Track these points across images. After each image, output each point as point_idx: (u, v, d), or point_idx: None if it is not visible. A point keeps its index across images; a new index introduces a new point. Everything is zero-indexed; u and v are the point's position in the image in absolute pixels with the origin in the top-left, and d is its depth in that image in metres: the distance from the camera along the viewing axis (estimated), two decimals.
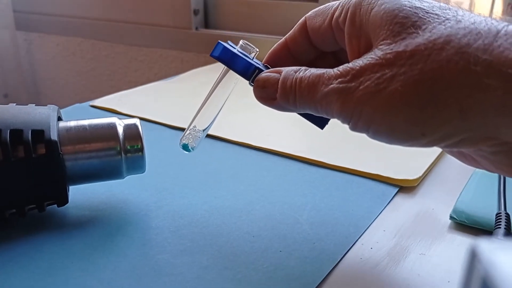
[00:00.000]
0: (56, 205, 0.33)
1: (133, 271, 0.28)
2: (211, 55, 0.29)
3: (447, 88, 0.21)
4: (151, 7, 1.03)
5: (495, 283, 0.12)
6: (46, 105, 0.33)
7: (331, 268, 0.29)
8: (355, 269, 0.29)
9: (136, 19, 1.06)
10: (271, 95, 0.28)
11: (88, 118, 0.33)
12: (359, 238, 0.32)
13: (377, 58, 0.24)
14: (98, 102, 0.61)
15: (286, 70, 0.28)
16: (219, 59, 0.29)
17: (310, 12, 0.30)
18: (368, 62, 0.24)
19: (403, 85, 0.22)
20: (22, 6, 1.25)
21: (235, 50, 0.29)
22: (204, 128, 0.32)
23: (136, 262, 0.29)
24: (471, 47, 0.21)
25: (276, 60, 0.31)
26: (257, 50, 0.30)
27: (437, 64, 0.22)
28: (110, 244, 0.31)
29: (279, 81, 0.28)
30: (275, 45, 0.31)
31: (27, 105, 0.33)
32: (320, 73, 0.26)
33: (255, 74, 0.29)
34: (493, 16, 0.68)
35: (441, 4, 0.24)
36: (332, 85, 0.25)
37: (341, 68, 0.25)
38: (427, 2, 0.24)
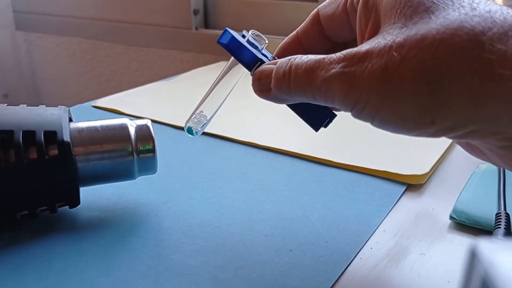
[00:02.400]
0: (66, 206, 0.33)
1: (148, 271, 0.28)
2: (218, 41, 0.29)
3: (459, 75, 0.21)
4: (151, 7, 1.03)
5: (495, 283, 0.12)
6: (45, 105, 0.33)
7: (345, 267, 0.29)
8: (355, 269, 0.29)
9: (136, 19, 1.06)
10: (266, 86, 0.27)
11: (93, 119, 0.33)
12: (371, 236, 0.32)
13: (386, 41, 0.22)
14: (100, 102, 0.60)
15: (281, 60, 0.27)
16: (225, 46, 0.29)
17: (323, 3, 0.29)
18: (376, 45, 0.23)
19: (413, 70, 0.21)
20: (22, 6, 1.25)
21: (242, 40, 0.29)
22: (210, 115, 0.31)
23: (151, 263, 0.29)
24: (485, 35, 0.20)
25: (286, 54, 0.30)
26: (267, 41, 0.30)
27: (450, 50, 0.21)
28: (123, 245, 0.31)
29: (273, 71, 0.27)
30: (285, 39, 0.31)
31: (37, 106, 0.33)
32: (320, 58, 0.25)
33: (257, 66, 0.29)
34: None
35: None
36: (334, 70, 0.23)
37: (344, 52, 0.24)
38: None
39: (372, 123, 0.24)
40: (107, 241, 0.31)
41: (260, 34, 0.30)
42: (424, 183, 0.40)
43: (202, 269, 0.28)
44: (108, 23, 1.10)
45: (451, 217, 0.34)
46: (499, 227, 0.31)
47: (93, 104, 0.60)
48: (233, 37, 0.29)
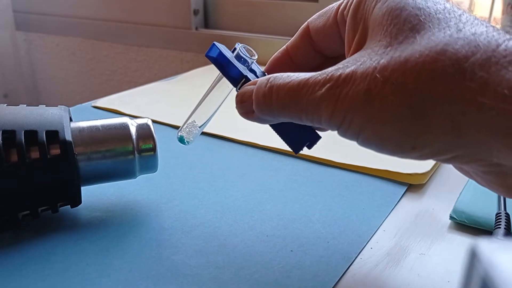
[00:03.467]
0: (67, 205, 0.33)
1: (149, 272, 0.28)
2: (206, 55, 0.29)
3: (441, 101, 0.20)
4: (151, 7, 1.03)
5: (495, 283, 0.12)
6: (45, 105, 0.33)
7: (347, 267, 0.29)
8: (355, 269, 0.29)
9: (136, 19, 1.06)
10: (249, 108, 0.27)
11: (94, 119, 0.33)
12: (372, 236, 0.32)
13: (370, 62, 0.22)
14: (100, 102, 0.61)
15: (259, 80, 0.27)
16: (212, 60, 0.29)
17: (313, 16, 0.29)
18: (361, 65, 0.23)
19: (395, 93, 0.21)
20: (22, 6, 1.25)
21: (229, 55, 0.29)
22: (201, 124, 0.31)
23: (152, 263, 0.29)
24: (468, 61, 0.20)
25: (276, 69, 0.30)
26: (256, 56, 0.30)
27: (432, 74, 0.21)
28: (124, 245, 0.31)
29: (253, 92, 0.27)
30: (276, 53, 0.31)
31: (37, 106, 0.33)
32: (304, 79, 0.24)
33: (241, 83, 0.28)
34: (493, 20, 0.69)
35: (447, 5, 0.23)
36: (320, 91, 0.23)
37: (329, 72, 0.24)
38: (432, 2, 0.23)
39: (357, 142, 0.24)
40: (108, 241, 0.31)
41: (250, 48, 0.30)
42: (425, 183, 0.40)
43: (203, 270, 0.28)
44: (108, 23, 1.10)
45: (451, 217, 0.34)
46: (499, 227, 0.31)
47: (93, 104, 0.60)
48: (220, 52, 0.28)
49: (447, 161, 0.22)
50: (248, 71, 0.29)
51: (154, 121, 0.53)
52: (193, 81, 0.73)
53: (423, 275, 0.28)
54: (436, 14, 0.22)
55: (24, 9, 1.25)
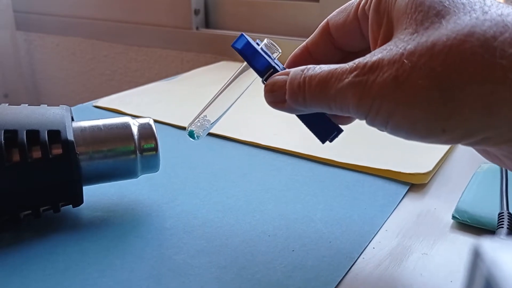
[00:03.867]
0: (68, 205, 0.32)
1: (151, 272, 0.28)
2: (232, 46, 0.29)
3: (470, 82, 0.20)
4: (151, 7, 1.03)
5: (498, 283, 0.12)
6: (46, 105, 0.33)
7: (349, 267, 0.29)
8: (357, 269, 0.29)
9: (136, 19, 1.06)
10: (280, 98, 0.28)
11: (97, 119, 0.33)
12: (374, 236, 0.32)
13: (397, 48, 0.22)
14: (101, 102, 0.61)
15: (293, 70, 0.27)
16: (240, 52, 0.29)
17: (332, 13, 0.30)
18: (387, 53, 0.23)
19: (424, 78, 0.21)
20: (22, 6, 1.24)
21: (256, 47, 0.29)
22: (213, 120, 0.31)
23: (153, 263, 0.29)
24: (497, 40, 0.20)
25: (296, 65, 0.30)
26: (280, 51, 0.30)
27: (460, 56, 0.20)
28: (125, 245, 0.31)
29: (287, 82, 0.27)
30: (295, 50, 0.31)
31: (39, 105, 0.33)
32: (332, 69, 0.25)
33: (269, 73, 0.29)
34: None
35: None
36: (347, 79, 0.24)
37: (356, 61, 0.24)
38: None
39: (386, 130, 0.24)
40: (109, 241, 0.31)
41: (274, 43, 0.30)
42: (427, 183, 0.39)
43: (205, 270, 0.28)
44: (108, 23, 1.10)
45: (453, 217, 0.34)
46: (502, 227, 0.31)
47: (94, 104, 0.60)
48: (248, 43, 0.29)
49: (478, 143, 0.22)
50: (275, 63, 0.29)
51: (155, 121, 0.53)
52: (193, 81, 0.73)
53: (425, 275, 0.28)
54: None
55: (24, 9, 1.25)
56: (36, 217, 0.31)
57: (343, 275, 0.28)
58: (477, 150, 0.27)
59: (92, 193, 0.36)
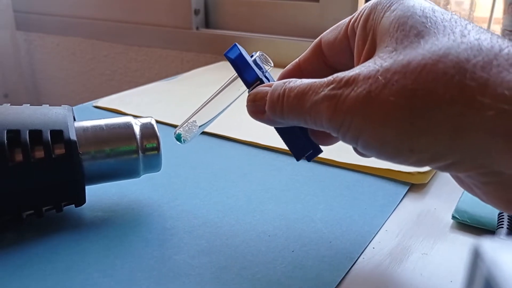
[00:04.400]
0: (70, 205, 0.33)
1: (151, 272, 0.28)
2: (225, 55, 0.29)
3: (439, 103, 0.20)
4: (151, 7, 1.03)
5: (498, 283, 0.12)
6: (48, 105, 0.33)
7: (349, 267, 0.29)
8: (357, 269, 0.29)
9: (136, 19, 1.06)
10: (260, 108, 0.28)
11: (98, 119, 0.33)
12: (374, 236, 0.32)
13: (374, 65, 0.22)
14: (101, 102, 0.61)
15: (276, 82, 0.27)
16: (231, 61, 0.29)
17: (326, 31, 0.30)
18: (365, 69, 0.23)
19: (395, 95, 0.21)
20: (22, 6, 1.24)
21: (248, 58, 0.30)
22: (201, 124, 0.32)
23: (154, 263, 0.29)
24: (469, 63, 0.20)
25: None
26: (272, 64, 0.31)
27: (432, 76, 0.20)
28: (126, 245, 0.31)
29: (268, 93, 0.27)
30: (287, 66, 0.31)
31: (41, 105, 0.33)
32: (311, 82, 0.25)
33: (255, 85, 0.29)
34: (494, 20, 0.69)
35: (454, 16, 0.23)
36: (322, 92, 0.24)
37: (335, 75, 0.24)
38: (440, 12, 0.23)
39: (357, 146, 0.24)
40: (110, 241, 0.31)
41: (267, 56, 0.30)
42: (427, 183, 0.40)
43: (205, 270, 0.28)
44: (108, 23, 1.10)
45: (453, 217, 0.34)
46: (502, 227, 0.31)
47: (94, 104, 0.60)
48: (240, 54, 0.29)
49: (446, 168, 0.22)
50: (264, 76, 0.30)
51: (156, 121, 0.53)
52: (193, 81, 0.73)
53: (425, 275, 0.29)
54: (442, 22, 0.23)
55: (24, 9, 1.25)
56: (38, 216, 0.31)
57: (343, 275, 0.28)
58: (452, 176, 0.27)
59: (93, 192, 0.36)
